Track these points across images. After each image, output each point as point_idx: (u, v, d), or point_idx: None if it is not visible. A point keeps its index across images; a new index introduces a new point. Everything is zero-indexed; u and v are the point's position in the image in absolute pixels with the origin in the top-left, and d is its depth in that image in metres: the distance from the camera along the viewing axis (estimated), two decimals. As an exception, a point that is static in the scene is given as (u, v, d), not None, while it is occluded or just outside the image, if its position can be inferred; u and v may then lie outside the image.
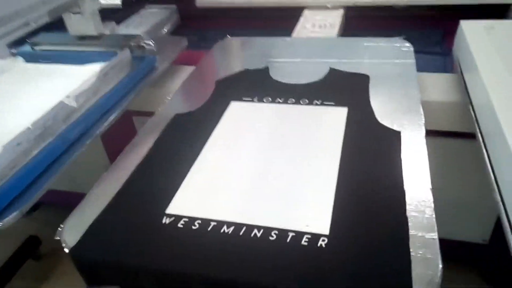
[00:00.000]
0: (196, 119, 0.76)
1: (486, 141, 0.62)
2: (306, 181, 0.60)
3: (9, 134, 0.65)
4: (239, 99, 0.80)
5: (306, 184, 0.59)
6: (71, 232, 0.55)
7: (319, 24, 1.14)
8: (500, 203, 0.54)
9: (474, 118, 0.68)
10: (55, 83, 0.85)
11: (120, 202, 0.59)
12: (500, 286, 1.12)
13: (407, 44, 0.93)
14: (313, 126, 0.71)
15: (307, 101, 0.77)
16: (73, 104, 0.77)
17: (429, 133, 0.65)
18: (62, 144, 0.71)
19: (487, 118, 0.62)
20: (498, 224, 1.03)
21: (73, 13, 0.96)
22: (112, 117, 0.78)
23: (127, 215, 0.57)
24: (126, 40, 0.99)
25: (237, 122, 0.74)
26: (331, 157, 0.63)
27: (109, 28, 1.12)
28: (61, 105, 0.74)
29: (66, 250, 0.52)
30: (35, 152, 0.67)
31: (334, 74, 0.85)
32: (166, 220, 0.55)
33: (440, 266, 0.45)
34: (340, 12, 1.20)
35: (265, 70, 0.90)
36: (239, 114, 0.76)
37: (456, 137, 0.84)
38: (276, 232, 0.52)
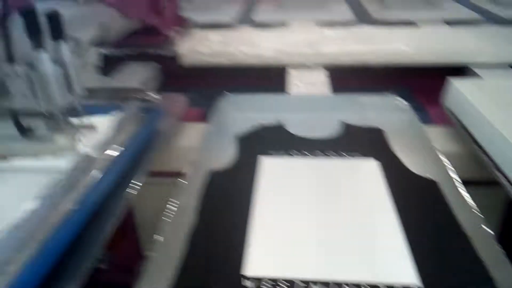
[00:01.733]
0: (231, 174, 0.74)
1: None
2: (371, 232, 0.60)
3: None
4: (266, 153, 0.81)
5: (373, 235, 0.60)
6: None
7: (308, 82, 1.20)
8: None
9: (493, 165, 0.75)
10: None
11: (187, 274, 0.54)
12: None
13: (401, 100, 1.02)
14: (352, 179, 0.73)
15: (335, 154, 0.80)
16: (95, 155, 0.72)
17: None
18: (97, 195, 0.65)
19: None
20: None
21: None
22: (143, 174, 0.74)
23: (201, 285, 0.53)
24: (128, 93, 0.95)
25: (276, 176, 0.74)
26: (384, 207, 0.65)
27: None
28: (83, 155, 0.69)
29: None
30: (64, 205, 0.60)
31: (348, 128, 0.90)
32: (247, 284, 0.52)
33: None
34: (322, 71, 1.28)
35: (280, 125, 0.91)
36: (274, 168, 0.76)
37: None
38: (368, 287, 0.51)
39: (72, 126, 0.75)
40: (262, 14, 1.86)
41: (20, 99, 0.68)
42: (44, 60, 0.66)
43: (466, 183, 0.85)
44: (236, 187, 0.70)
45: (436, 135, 0.95)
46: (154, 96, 0.95)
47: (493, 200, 0.90)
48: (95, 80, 0.96)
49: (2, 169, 0.70)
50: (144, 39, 1.33)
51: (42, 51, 0.66)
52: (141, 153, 0.81)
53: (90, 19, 0.94)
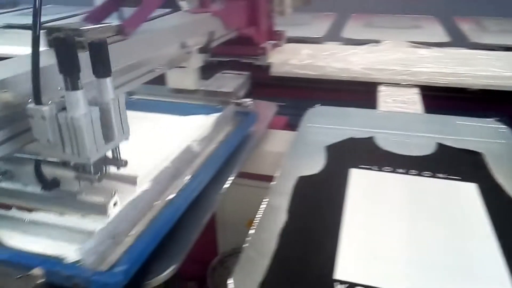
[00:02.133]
0: (321, 181, 0.76)
1: None
2: (467, 255, 0.58)
3: (148, 173, 0.65)
4: (355, 166, 0.81)
5: (469, 257, 0.57)
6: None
7: (399, 99, 1.18)
8: None
9: None
10: (172, 129, 0.86)
11: (279, 270, 0.56)
12: None
13: (503, 126, 0.96)
14: (448, 200, 0.70)
15: (430, 173, 0.78)
16: (197, 149, 0.77)
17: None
18: (197, 186, 0.70)
19: None
20: None
21: (179, 67, 0.99)
22: (234, 174, 0.78)
23: (292, 283, 0.54)
24: (223, 96, 1.01)
25: (367, 188, 0.73)
26: (482, 232, 0.62)
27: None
28: (188, 148, 0.74)
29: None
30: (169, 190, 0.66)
31: (444, 149, 0.87)
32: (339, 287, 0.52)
33: None
34: (413, 89, 1.26)
35: (371, 140, 0.91)
36: (365, 181, 0.76)
37: None
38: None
39: (107, 180, 0.59)
40: (351, 31, 1.87)
41: (44, 146, 0.52)
42: (78, 101, 0.49)
43: None
44: (325, 194, 0.71)
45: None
46: (247, 101, 1.00)
47: None
48: (196, 83, 1.03)
49: (25, 221, 0.57)
50: (239, 49, 1.40)
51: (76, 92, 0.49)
52: (234, 153, 0.85)
53: (199, 27, 1.01)
